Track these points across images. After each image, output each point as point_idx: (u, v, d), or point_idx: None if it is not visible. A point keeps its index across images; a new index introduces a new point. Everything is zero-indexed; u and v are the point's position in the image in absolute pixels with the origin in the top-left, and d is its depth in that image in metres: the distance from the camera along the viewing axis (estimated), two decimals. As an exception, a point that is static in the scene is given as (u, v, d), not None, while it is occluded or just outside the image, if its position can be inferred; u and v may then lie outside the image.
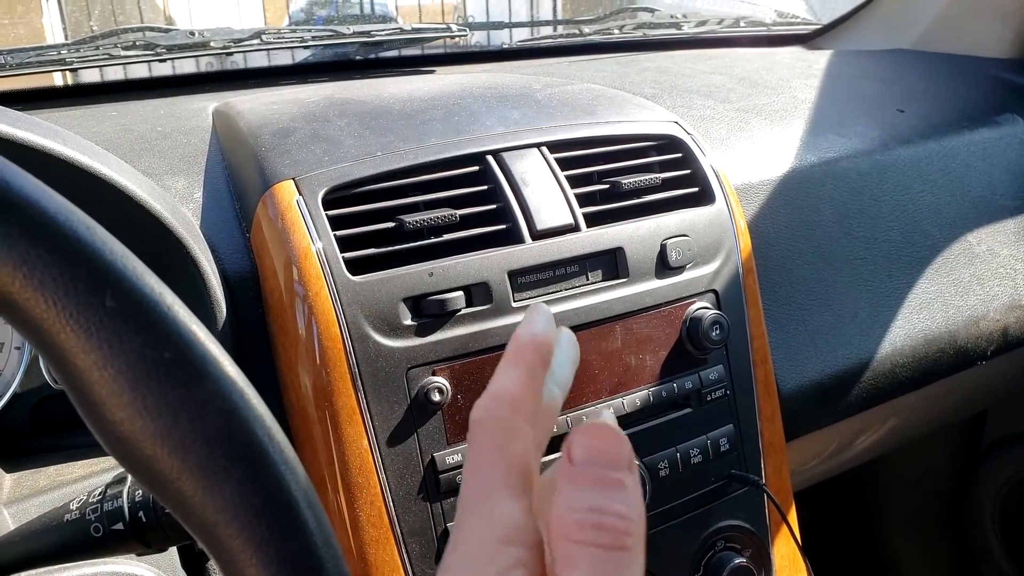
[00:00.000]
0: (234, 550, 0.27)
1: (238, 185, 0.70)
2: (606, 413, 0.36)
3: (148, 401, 0.26)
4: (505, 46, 1.44)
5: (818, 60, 1.27)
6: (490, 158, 0.67)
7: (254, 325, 0.65)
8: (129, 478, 0.42)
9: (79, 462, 0.59)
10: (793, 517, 0.76)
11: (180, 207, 0.66)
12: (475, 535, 0.26)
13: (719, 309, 0.71)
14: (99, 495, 0.42)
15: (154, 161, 0.75)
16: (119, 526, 0.41)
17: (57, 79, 1.17)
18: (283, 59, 1.33)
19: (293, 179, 0.63)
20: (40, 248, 0.25)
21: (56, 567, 0.51)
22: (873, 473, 1.53)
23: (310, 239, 0.60)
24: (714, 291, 0.72)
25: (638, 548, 0.25)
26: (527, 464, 0.28)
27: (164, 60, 1.15)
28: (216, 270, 0.63)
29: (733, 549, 0.72)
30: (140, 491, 0.41)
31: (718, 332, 0.69)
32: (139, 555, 0.42)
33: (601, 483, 0.25)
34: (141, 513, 0.41)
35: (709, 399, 0.71)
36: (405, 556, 0.60)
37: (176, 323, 0.26)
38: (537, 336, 0.31)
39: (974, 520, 1.51)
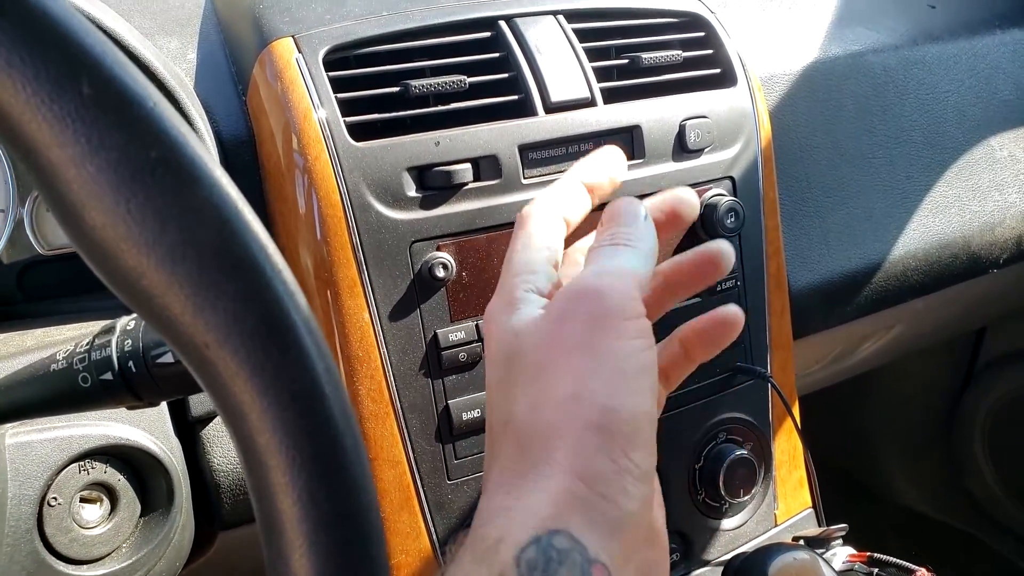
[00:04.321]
0: (227, 375, 0.25)
1: (234, 45, 0.66)
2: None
3: (132, 205, 0.23)
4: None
5: (846, -48, 1.20)
6: (503, 23, 0.63)
7: (251, 193, 0.62)
8: (118, 328, 0.40)
9: (68, 325, 0.57)
10: (796, 412, 0.75)
11: (173, 66, 0.63)
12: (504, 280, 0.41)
13: (735, 196, 0.69)
14: (87, 345, 0.40)
15: (145, 21, 0.71)
16: (108, 376, 0.39)
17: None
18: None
19: (292, 36, 0.59)
20: (5, 23, 0.22)
21: (46, 425, 0.49)
22: (868, 387, 1.53)
23: (310, 101, 0.57)
24: (731, 178, 0.69)
25: (641, 249, 0.38)
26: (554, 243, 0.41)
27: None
28: (211, 133, 0.60)
29: (735, 441, 0.72)
30: (129, 340, 0.39)
31: (733, 220, 0.67)
32: (130, 408, 0.41)
33: (623, 222, 0.39)
34: (131, 363, 0.39)
35: (719, 289, 0.69)
36: (404, 431, 0.58)
37: (163, 120, 0.23)
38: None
39: (963, 436, 1.52)
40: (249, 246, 0.24)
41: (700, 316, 0.43)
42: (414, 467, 0.59)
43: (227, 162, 0.61)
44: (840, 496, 1.64)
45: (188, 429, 0.58)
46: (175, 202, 0.23)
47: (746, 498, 0.71)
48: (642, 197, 0.60)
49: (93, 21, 0.50)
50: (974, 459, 1.52)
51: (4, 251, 0.62)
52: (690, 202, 0.44)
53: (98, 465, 0.51)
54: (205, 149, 0.24)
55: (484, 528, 0.33)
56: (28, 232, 0.62)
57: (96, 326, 0.57)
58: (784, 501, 0.75)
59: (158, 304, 0.24)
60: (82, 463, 0.51)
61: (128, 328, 0.40)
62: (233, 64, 0.66)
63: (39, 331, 0.56)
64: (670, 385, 0.44)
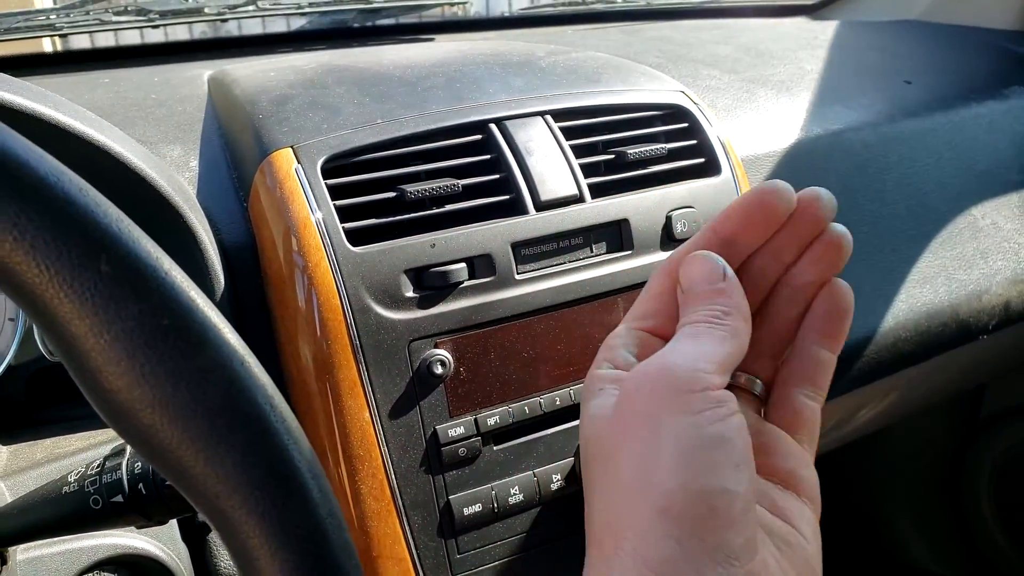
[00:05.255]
0: (237, 522, 0.26)
1: (235, 153, 0.69)
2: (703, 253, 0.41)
3: (146, 369, 0.25)
4: (505, 14, 1.42)
5: (824, 31, 1.25)
6: (493, 127, 0.66)
7: (253, 296, 0.64)
8: (128, 450, 0.41)
9: (76, 434, 0.58)
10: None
11: (176, 175, 0.65)
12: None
13: (724, 281, 0.70)
14: (98, 467, 0.42)
15: (148, 129, 0.74)
16: (119, 498, 0.40)
17: (47, 45, 1.15)
18: (278, 26, 1.31)
19: (292, 147, 0.62)
20: (31, 210, 0.24)
21: (55, 539, 0.50)
22: (871, 446, 1.53)
23: (309, 209, 0.59)
24: (719, 263, 0.71)
25: (734, 322, 0.37)
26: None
27: (157, 26, 1.13)
28: (214, 240, 0.62)
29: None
30: (139, 463, 0.41)
31: (723, 305, 0.69)
32: (139, 527, 0.42)
33: (705, 297, 0.38)
34: (141, 485, 0.40)
35: (713, 372, 0.71)
36: (407, 528, 0.59)
37: (174, 289, 0.25)
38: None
39: (970, 493, 1.51)
40: (255, 401, 0.26)
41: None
42: (417, 564, 0.59)
43: (229, 267, 0.63)
44: (849, 558, 1.62)
45: (195, 534, 0.59)
46: (186, 365, 0.25)
47: (749, 579, 0.71)
48: (619, 292, 0.61)
49: (99, 146, 0.53)
50: (982, 516, 1.51)
51: (13, 357, 0.64)
52: (776, 192, 0.39)
53: (106, 575, 0.52)
54: (214, 310, 0.26)
55: None
56: (37, 339, 0.64)
57: (102, 434, 0.59)
58: (787, 580, 0.75)
59: (172, 458, 0.26)
60: (91, 574, 0.51)
61: (137, 451, 0.41)
62: (234, 170, 0.68)
63: (48, 442, 0.57)
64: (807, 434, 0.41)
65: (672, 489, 0.32)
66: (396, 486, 0.59)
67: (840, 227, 0.41)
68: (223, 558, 0.59)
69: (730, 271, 0.39)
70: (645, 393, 0.34)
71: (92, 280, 0.24)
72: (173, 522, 0.56)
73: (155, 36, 1.19)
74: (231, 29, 1.26)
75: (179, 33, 1.22)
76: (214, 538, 0.59)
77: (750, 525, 0.33)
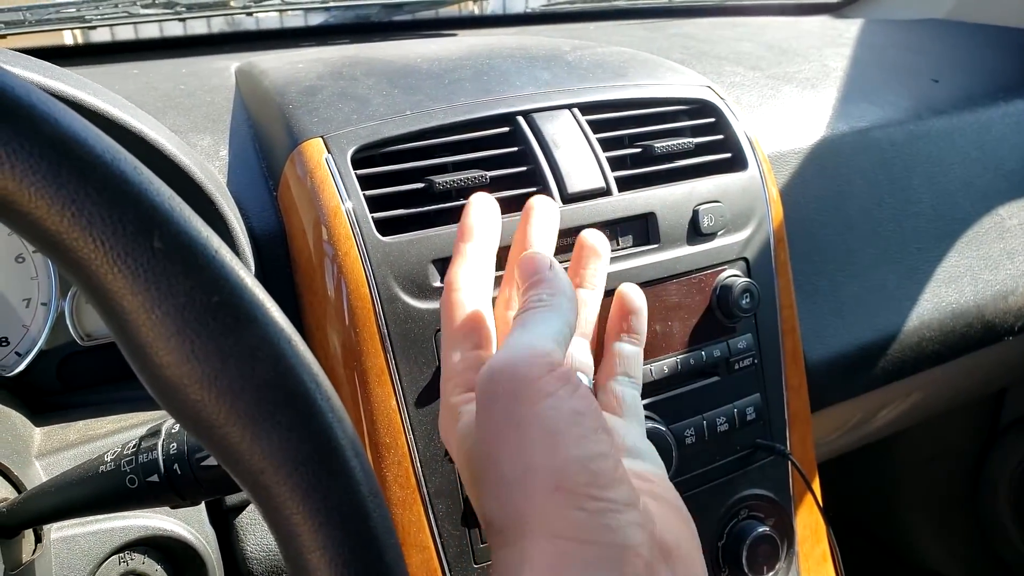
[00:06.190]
0: (280, 497, 0.26)
1: (264, 143, 0.69)
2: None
3: (196, 345, 0.25)
4: (527, 10, 1.42)
5: (848, 29, 1.24)
6: (521, 119, 0.66)
7: (282, 284, 0.64)
8: (163, 431, 0.42)
9: (108, 417, 0.59)
10: (817, 487, 0.76)
11: (207, 164, 0.66)
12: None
13: (749, 277, 0.70)
14: (133, 448, 0.42)
15: (178, 119, 0.75)
16: (154, 478, 0.41)
17: (77, 37, 1.17)
18: (302, 20, 1.32)
19: (322, 137, 0.62)
20: (89, 187, 0.24)
21: (89, 519, 0.51)
22: (890, 450, 1.53)
23: (339, 198, 0.60)
24: (745, 259, 0.71)
25: (558, 305, 0.42)
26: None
27: (183, 19, 1.14)
28: (244, 228, 0.63)
29: (756, 518, 0.72)
30: (175, 444, 0.41)
31: (748, 300, 0.69)
32: (173, 507, 0.42)
33: (532, 286, 0.44)
34: (176, 466, 0.41)
35: (737, 368, 0.71)
36: (431, 516, 0.59)
37: (224, 267, 0.26)
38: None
39: (989, 499, 1.50)
40: (301, 379, 0.26)
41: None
42: (441, 552, 0.60)
43: (259, 255, 0.63)
44: (867, 561, 1.62)
45: (222, 517, 0.59)
46: (235, 342, 0.26)
47: (769, 575, 0.71)
48: (645, 285, 0.62)
49: (134, 132, 0.54)
50: (1001, 521, 1.50)
51: (45, 341, 0.64)
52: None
53: (136, 556, 0.53)
54: (262, 289, 0.27)
55: None
56: (68, 324, 0.65)
57: (134, 417, 0.59)
58: (808, 577, 0.75)
59: (218, 433, 0.26)
60: (122, 555, 0.52)
61: (173, 431, 0.42)
62: (264, 160, 0.69)
63: (80, 424, 0.58)
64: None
65: (557, 466, 0.35)
66: (421, 474, 0.59)
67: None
68: (250, 542, 0.60)
69: (555, 262, 0.45)
70: (500, 396, 0.38)
71: (145, 256, 0.25)
72: (202, 505, 0.57)
73: (176, 30, 1.20)
74: (250, 25, 1.26)
75: (198, 27, 1.23)
76: (241, 522, 0.60)
77: (625, 477, 0.37)
